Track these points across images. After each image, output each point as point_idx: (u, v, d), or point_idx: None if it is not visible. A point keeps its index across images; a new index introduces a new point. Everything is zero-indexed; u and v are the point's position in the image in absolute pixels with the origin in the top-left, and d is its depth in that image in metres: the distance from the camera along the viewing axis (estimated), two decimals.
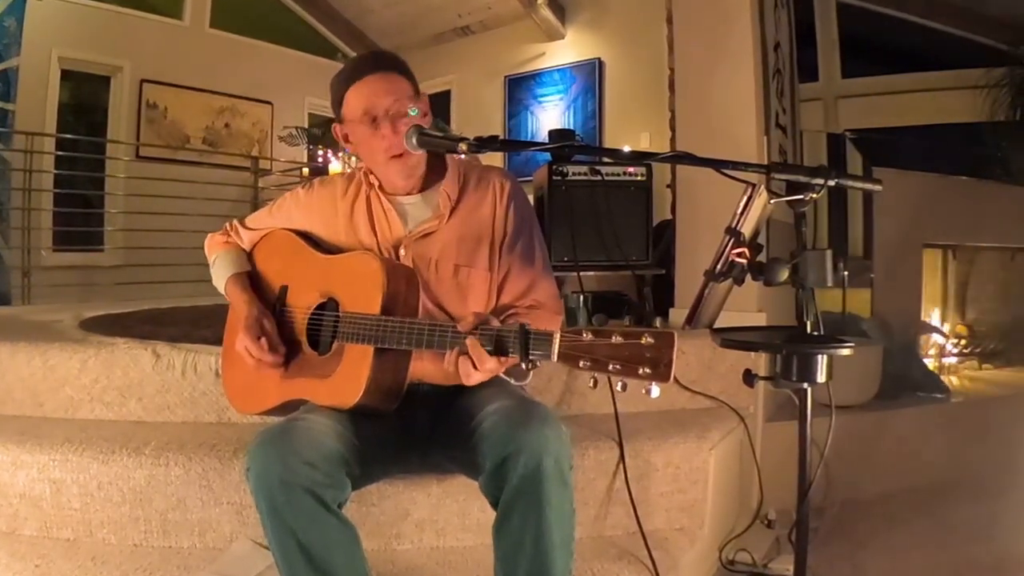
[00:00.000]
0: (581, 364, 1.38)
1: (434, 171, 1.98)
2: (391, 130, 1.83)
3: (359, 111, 1.84)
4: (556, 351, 1.42)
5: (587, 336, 1.38)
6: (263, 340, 1.84)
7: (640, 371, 1.32)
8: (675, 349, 1.31)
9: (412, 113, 1.85)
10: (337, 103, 1.92)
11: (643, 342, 1.33)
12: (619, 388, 1.35)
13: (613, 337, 1.35)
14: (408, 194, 1.97)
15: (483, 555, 2.02)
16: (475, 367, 1.55)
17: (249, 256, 2.11)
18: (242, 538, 2.06)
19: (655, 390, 1.32)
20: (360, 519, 1.98)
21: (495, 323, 1.56)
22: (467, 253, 1.92)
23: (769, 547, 2.61)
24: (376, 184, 1.96)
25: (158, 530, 2.07)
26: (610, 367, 1.35)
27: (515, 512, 1.57)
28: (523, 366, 1.49)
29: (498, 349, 1.51)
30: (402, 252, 1.91)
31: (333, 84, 1.92)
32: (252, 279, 2.04)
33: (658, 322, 1.29)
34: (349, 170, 2.12)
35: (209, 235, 2.17)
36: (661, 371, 1.31)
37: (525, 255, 1.96)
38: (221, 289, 2.06)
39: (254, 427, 2.37)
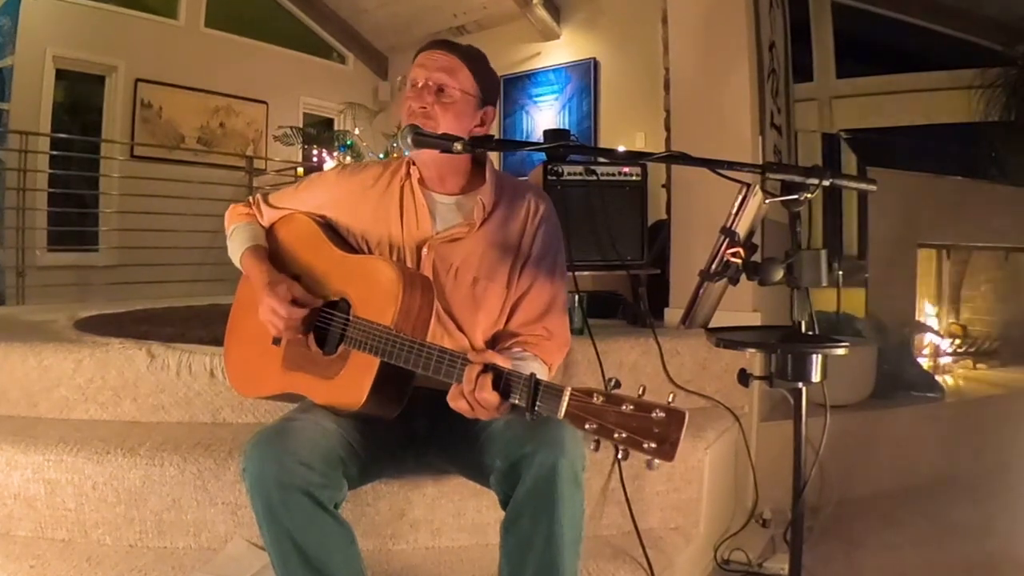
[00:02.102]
0: (587, 427, 1.36)
1: (474, 178, 1.98)
2: (416, 95, 1.85)
3: (410, 77, 1.89)
4: (564, 409, 1.39)
5: (597, 399, 1.36)
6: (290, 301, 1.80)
7: (645, 445, 1.30)
8: (684, 429, 1.29)
9: (450, 94, 1.86)
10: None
11: (653, 416, 1.31)
12: (619, 456, 1.34)
13: (624, 405, 1.33)
14: (445, 194, 1.96)
15: (479, 555, 2.03)
16: (482, 406, 1.51)
17: (267, 234, 2.06)
18: (237, 538, 2.05)
19: (656, 464, 1.31)
20: (356, 519, 1.98)
21: (507, 366, 1.52)
22: (488, 267, 1.91)
23: (764, 546, 2.61)
24: (416, 176, 1.94)
25: (153, 531, 2.07)
26: (615, 435, 1.33)
27: (527, 512, 1.57)
28: (527, 416, 1.47)
29: (505, 393, 1.49)
30: (424, 251, 1.89)
31: None
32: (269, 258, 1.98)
33: (671, 396, 1.26)
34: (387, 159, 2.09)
35: (231, 206, 2.12)
36: (666, 449, 1.29)
37: (544, 281, 1.94)
38: (236, 261, 2.01)
39: (249, 427, 2.37)
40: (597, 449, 1.38)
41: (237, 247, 2.00)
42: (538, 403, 1.43)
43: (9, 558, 1.96)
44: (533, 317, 1.92)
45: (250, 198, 2.13)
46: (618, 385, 1.38)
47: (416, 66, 1.88)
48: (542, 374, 1.67)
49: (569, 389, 1.39)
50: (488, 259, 1.91)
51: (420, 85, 1.86)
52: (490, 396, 1.48)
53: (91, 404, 2.51)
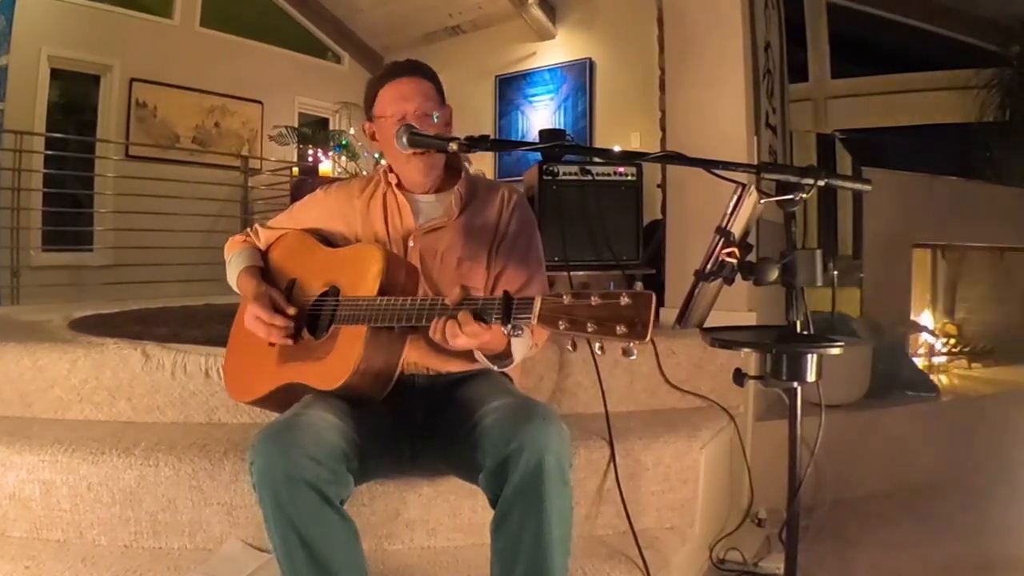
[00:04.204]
0: (560, 326, 1.39)
1: (450, 177, 2.12)
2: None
3: (389, 110, 2.00)
4: (536, 313, 1.43)
5: (566, 299, 1.40)
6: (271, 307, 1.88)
7: (618, 330, 1.33)
8: (652, 308, 1.32)
9: (435, 119, 1.99)
10: (370, 101, 2.07)
11: (621, 303, 1.34)
12: (598, 350, 1.36)
13: (592, 299, 1.37)
14: (424, 193, 2.09)
15: (474, 555, 2.03)
16: (460, 330, 1.56)
17: (264, 256, 2.16)
18: (232, 539, 2.05)
19: (633, 351, 1.33)
20: None
21: (480, 294, 1.62)
22: (471, 249, 2.02)
23: (759, 546, 2.61)
24: (395, 182, 2.07)
25: (148, 531, 2.06)
26: (588, 327, 1.36)
27: (515, 510, 1.58)
28: (505, 331, 1.52)
29: (482, 315, 1.55)
30: (411, 243, 2.01)
31: (369, 84, 2.08)
32: (264, 275, 2.08)
33: (638, 285, 1.30)
34: (359, 172, 2.24)
35: (231, 238, 2.23)
36: (638, 330, 1.32)
37: (521, 258, 2.05)
38: (234, 285, 2.11)
39: (244, 428, 2.37)
40: (575, 348, 1.43)
41: (233, 271, 2.11)
42: (513, 316, 1.49)
43: (4, 559, 1.96)
44: (513, 291, 1.94)
45: (248, 229, 2.25)
46: (587, 287, 1.42)
47: (397, 99, 2.00)
48: (525, 345, 1.80)
49: (539, 296, 1.45)
50: (470, 243, 2.03)
51: (417, 113, 1.97)
52: (473, 326, 1.55)
53: (86, 404, 2.50)
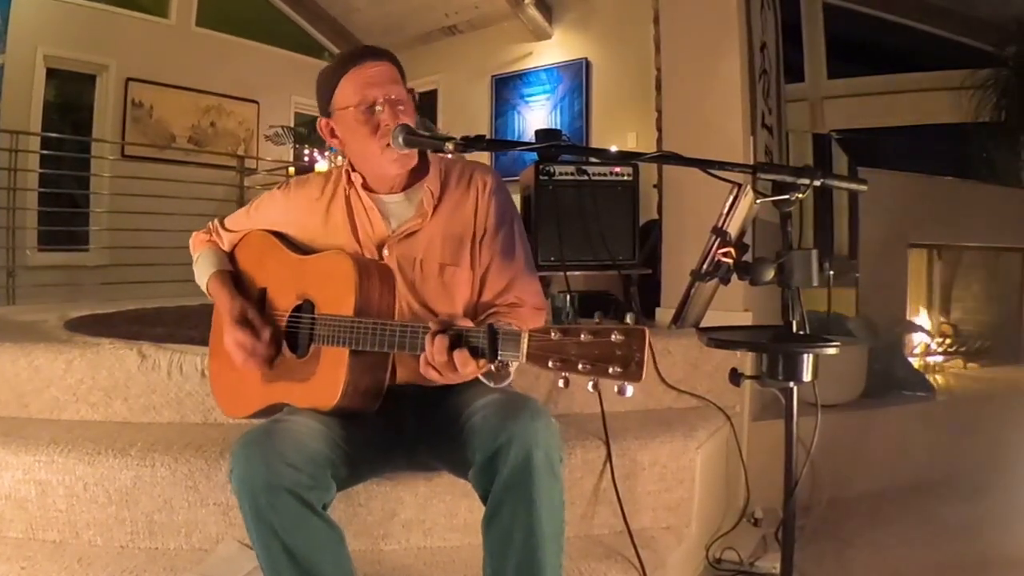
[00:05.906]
0: (550, 364, 1.34)
1: (416, 170, 1.95)
2: (391, 116, 1.80)
3: (355, 99, 1.81)
4: (525, 351, 1.39)
5: (555, 335, 1.35)
6: (251, 332, 1.82)
7: (611, 370, 1.28)
8: (647, 346, 1.27)
9: (402, 101, 1.84)
10: (327, 94, 1.87)
11: (613, 340, 1.28)
12: (590, 388, 1.31)
13: (582, 335, 1.32)
14: (391, 192, 1.95)
15: (470, 555, 2.03)
16: (439, 371, 1.53)
17: (230, 258, 2.09)
18: (228, 539, 2.05)
19: (628, 389, 1.27)
20: (347, 519, 1.98)
21: (463, 324, 1.54)
22: (451, 252, 1.92)
23: (756, 545, 2.61)
24: (359, 182, 1.93)
25: (144, 531, 2.06)
26: (579, 367, 1.30)
27: (505, 505, 1.57)
28: (492, 367, 1.48)
29: (466, 350, 1.49)
30: (385, 252, 1.90)
31: (323, 75, 1.89)
32: (233, 280, 2.01)
33: (628, 318, 1.21)
34: (328, 168, 2.06)
35: (194, 233, 2.16)
36: (632, 370, 1.27)
37: (505, 250, 1.95)
38: (203, 286, 2.04)
39: (240, 428, 2.35)
40: (567, 385, 1.35)
41: (203, 273, 2.04)
42: (499, 351, 1.44)
43: (0, 559, 1.96)
44: (501, 288, 1.93)
45: (209, 224, 2.15)
46: (576, 320, 1.37)
47: (363, 86, 1.81)
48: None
49: (527, 331, 1.39)
50: (449, 244, 1.92)
51: (380, 103, 1.81)
52: (448, 357, 1.50)
53: (82, 405, 2.50)
